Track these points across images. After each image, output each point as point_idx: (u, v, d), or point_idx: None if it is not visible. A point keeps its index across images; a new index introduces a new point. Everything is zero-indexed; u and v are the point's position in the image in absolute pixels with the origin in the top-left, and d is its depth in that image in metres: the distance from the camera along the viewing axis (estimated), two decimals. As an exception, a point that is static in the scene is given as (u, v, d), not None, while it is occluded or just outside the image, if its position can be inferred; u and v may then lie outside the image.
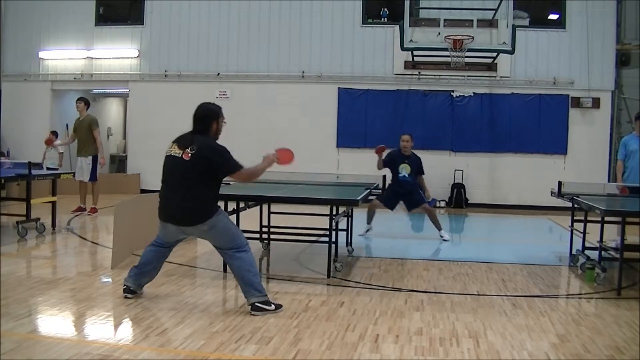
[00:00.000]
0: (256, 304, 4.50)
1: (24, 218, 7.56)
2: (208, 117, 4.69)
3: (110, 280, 5.53)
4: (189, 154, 4.51)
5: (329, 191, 6.98)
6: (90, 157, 9.72)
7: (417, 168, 8.39)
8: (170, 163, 4.62)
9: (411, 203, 8.34)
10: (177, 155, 4.57)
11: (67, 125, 14.46)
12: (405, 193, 8.24)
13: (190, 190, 4.51)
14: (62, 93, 14.53)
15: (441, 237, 8.31)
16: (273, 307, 4.56)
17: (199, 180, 4.52)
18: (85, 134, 9.74)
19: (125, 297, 4.79)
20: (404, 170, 8.26)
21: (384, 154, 8.21)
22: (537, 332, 4.27)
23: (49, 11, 14.11)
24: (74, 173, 9.40)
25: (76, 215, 9.53)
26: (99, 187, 9.97)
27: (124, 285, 4.85)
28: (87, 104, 10.03)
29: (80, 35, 14.03)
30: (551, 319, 4.60)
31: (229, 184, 6.52)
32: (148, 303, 4.71)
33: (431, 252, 7.53)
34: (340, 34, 13.27)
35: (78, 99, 10.09)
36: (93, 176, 9.79)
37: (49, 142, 10.81)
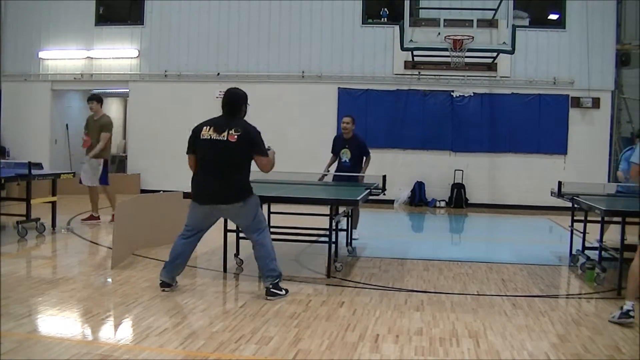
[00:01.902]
0: (271, 289, 4.92)
1: (24, 218, 7.56)
2: (239, 101, 4.99)
3: (110, 280, 5.53)
4: (235, 136, 4.78)
5: (329, 191, 6.98)
6: (101, 160, 9.03)
7: (359, 152, 7.92)
8: (213, 146, 4.82)
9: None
10: (220, 138, 4.79)
11: (67, 125, 14.48)
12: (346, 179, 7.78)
13: (235, 171, 4.83)
14: (62, 93, 14.53)
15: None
16: (283, 291, 4.99)
17: (243, 160, 4.87)
18: (97, 134, 8.99)
19: (163, 291, 5.02)
20: (345, 155, 7.93)
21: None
22: (537, 332, 4.27)
23: (49, 11, 14.10)
24: (74, 173, 9.22)
25: (91, 226, 8.72)
26: (112, 191, 9.18)
27: (160, 280, 5.09)
28: (101, 102, 9.22)
29: (80, 35, 14.02)
30: (551, 319, 4.60)
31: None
32: (148, 303, 4.72)
33: (431, 252, 7.53)
34: (340, 34, 13.27)
35: (91, 98, 9.19)
36: (105, 179, 9.03)
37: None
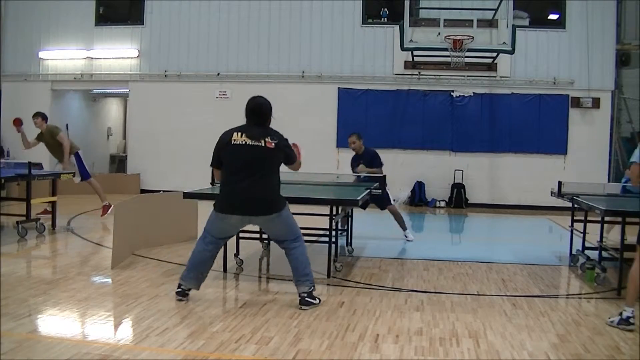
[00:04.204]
0: (306, 298, 4.70)
1: (24, 218, 7.56)
2: (268, 112, 4.88)
3: (110, 280, 5.52)
4: (273, 144, 4.66)
5: (329, 191, 6.98)
6: (72, 157, 9.30)
7: (370, 163, 8.05)
8: (248, 152, 4.62)
9: (378, 201, 7.93)
10: (257, 144, 4.63)
11: (67, 125, 14.43)
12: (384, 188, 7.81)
13: (269, 180, 4.69)
14: (62, 93, 14.53)
15: (405, 237, 8.18)
16: (317, 300, 4.79)
17: (276, 169, 4.76)
18: (54, 142, 9.34)
19: (180, 300, 4.78)
20: (361, 169, 8.02)
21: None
22: (537, 332, 4.27)
23: (49, 11, 14.11)
24: (74, 173, 9.25)
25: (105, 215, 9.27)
26: (97, 182, 9.53)
27: (182, 289, 4.82)
28: (45, 118, 9.54)
29: (80, 35, 14.03)
30: (551, 319, 4.60)
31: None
32: (148, 303, 4.71)
33: (431, 252, 7.53)
34: (340, 34, 13.27)
35: (34, 115, 9.53)
36: (85, 173, 9.39)
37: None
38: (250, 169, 4.61)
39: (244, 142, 4.63)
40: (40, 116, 9.51)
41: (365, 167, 7.98)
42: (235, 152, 4.64)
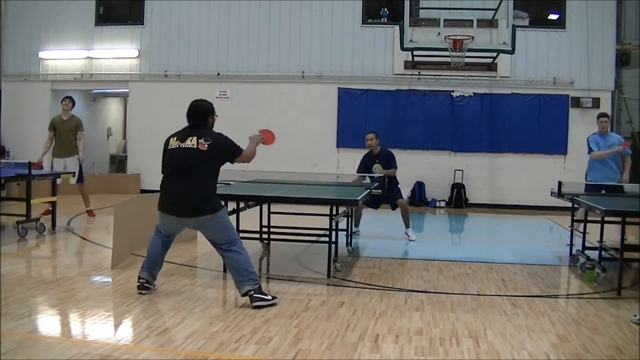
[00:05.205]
0: (254, 294, 4.62)
1: (24, 218, 7.56)
2: (205, 113, 4.87)
3: (110, 280, 5.53)
4: (205, 145, 4.66)
5: (329, 191, 6.98)
6: (76, 157, 9.35)
7: (388, 164, 8.18)
8: (180, 155, 4.69)
9: (389, 200, 8.07)
10: (189, 146, 4.67)
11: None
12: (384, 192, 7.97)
13: (202, 181, 4.67)
14: (62, 93, 14.41)
15: (407, 235, 8.22)
16: (269, 297, 4.71)
17: (212, 170, 4.73)
18: (72, 134, 9.33)
19: (140, 294, 4.88)
20: (377, 169, 8.11)
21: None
22: (537, 332, 4.27)
23: (49, 11, 14.11)
24: (74, 173, 9.26)
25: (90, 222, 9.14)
26: (86, 189, 9.59)
27: (140, 280, 4.95)
28: (74, 103, 9.62)
29: (80, 35, 14.03)
30: (551, 319, 4.60)
31: (228, 184, 6.53)
32: (148, 303, 4.71)
33: (431, 252, 7.53)
34: (340, 34, 13.27)
35: (66, 97, 9.58)
36: (81, 177, 9.42)
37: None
38: (182, 171, 4.68)
39: (177, 146, 4.73)
40: (72, 101, 9.53)
41: (382, 169, 8.05)
42: (170, 156, 4.76)
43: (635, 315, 4.53)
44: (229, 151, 4.77)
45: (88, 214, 9.49)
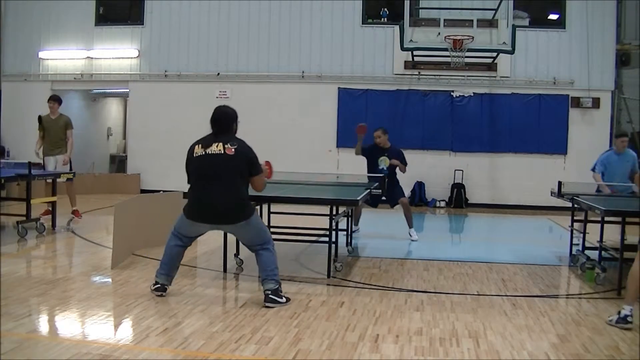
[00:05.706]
0: (270, 295, 4.69)
1: (24, 218, 7.56)
2: (229, 119, 4.86)
3: (110, 280, 5.52)
4: (232, 149, 4.64)
5: (329, 191, 6.98)
6: (66, 157, 9.24)
7: (399, 161, 8.13)
8: (208, 161, 4.66)
9: (391, 198, 8.05)
10: (216, 152, 4.64)
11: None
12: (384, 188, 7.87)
13: (233, 187, 4.66)
14: (62, 93, 14.35)
15: (410, 235, 8.19)
16: (284, 299, 4.76)
17: (241, 176, 4.70)
18: (61, 133, 9.25)
19: (159, 296, 4.85)
20: (383, 163, 8.04)
21: (363, 137, 8.03)
22: (537, 332, 4.27)
23: (49, 11, 14.11)
24: (74, 173, 9.20)
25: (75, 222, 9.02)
26: (76, 188, 9.44)
27: (157, 284, 4.90)
28: (60, 102, 9.50)
29: (80, 35, 14.03)
30: (551, 319, 4.60)
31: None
32: (148, 303, 4.71)
33: (431, 252, 7.53)
34: (340, 34, 13.27)
35: (51, 98, 9.47)
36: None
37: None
38: (211, 177, 4.65)
39: (202, 153, 4.70)
40: (57, 102, 9.43)
41: (396, 161, 8.04)
42: (197, 164, 4.72)
43: (609, 317, 4.52)
44: (253, 161, 4.76)
45: (74, 214, 9.29)
